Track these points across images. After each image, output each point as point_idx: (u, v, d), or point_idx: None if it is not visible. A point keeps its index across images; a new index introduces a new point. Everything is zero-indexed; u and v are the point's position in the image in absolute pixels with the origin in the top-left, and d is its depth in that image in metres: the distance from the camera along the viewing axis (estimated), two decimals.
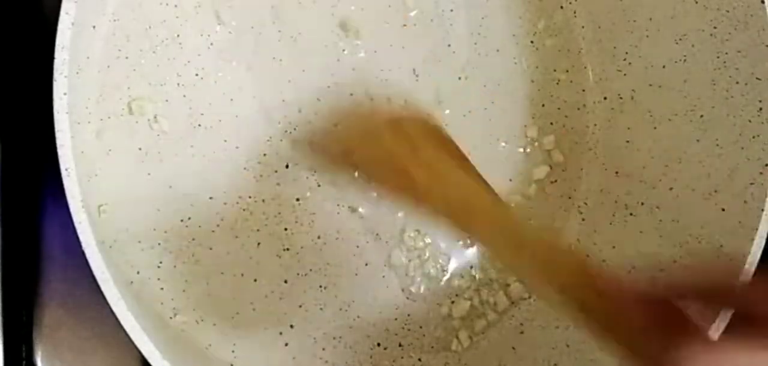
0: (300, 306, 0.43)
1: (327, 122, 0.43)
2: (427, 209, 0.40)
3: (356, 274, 0.44)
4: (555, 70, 0.46)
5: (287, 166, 0.43)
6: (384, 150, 0.41)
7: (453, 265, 0.45)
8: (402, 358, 0.44)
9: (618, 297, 0.31)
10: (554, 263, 0.34)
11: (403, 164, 0.40)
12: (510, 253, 0.36)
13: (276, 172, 0.43)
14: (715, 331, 0.36)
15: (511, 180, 0.46)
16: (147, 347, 0.34)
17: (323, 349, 0.43)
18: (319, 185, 0.43)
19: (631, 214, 0.44)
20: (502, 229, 0.37)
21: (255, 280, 0.42)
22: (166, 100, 0.41)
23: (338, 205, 0.43)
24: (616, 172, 0.46)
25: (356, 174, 0.43)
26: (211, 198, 0.42)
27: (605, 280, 0.32)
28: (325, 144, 0.43)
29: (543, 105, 0.46)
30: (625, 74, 0.45)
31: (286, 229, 0.43)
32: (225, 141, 0.42)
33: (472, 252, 0.45)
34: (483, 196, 0.38)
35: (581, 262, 0.35)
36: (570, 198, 0.46)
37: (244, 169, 0.42)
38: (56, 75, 0.33)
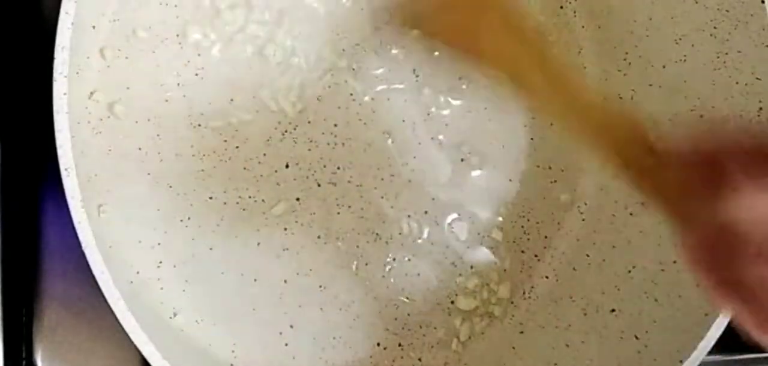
0: (300, 306, 0.43)
1: (326, 122, 0.43)
2: (486, 64, 0.41)
3: (356, 274, 0.44)
4: None
5: (287, 166, 0.43)
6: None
7: (453, 265, 0.45)
8: (402, 358, 0.44)
9: (665, 153, 0.33)
10: (608, 123, 0.36)
11: (473, 24, 0.41)
12: (565, 117, 0.39)
13: (276, 172, 0.43)
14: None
15: (510, 180, 0.46)
16: (147, 347, 0.34)
17: (323, 349, 0.43)
18: (318, 185, 0.43)
19: (631, 214, 0.44)
20: (558, 91, 0.38)
21: (255, 280, 0.42)
22: (166, 100, 0.41)
23: (338, 204, 0.43)
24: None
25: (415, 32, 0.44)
26: (211, 198, 0.42)
27: (655, 137, 0.34)
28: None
29: None
30: (625, 74, 0.45)
31: (285, 229, 0.43)
32: (225, 141, 0.42)
33: (472, 252, 0.45)
34: (548, 60, 0.40)
35: (633, 121, 0.36)
36: (570, 198, 0.46)
37: (244, 169, 0.42)
38: (56, 75, 0.33)
